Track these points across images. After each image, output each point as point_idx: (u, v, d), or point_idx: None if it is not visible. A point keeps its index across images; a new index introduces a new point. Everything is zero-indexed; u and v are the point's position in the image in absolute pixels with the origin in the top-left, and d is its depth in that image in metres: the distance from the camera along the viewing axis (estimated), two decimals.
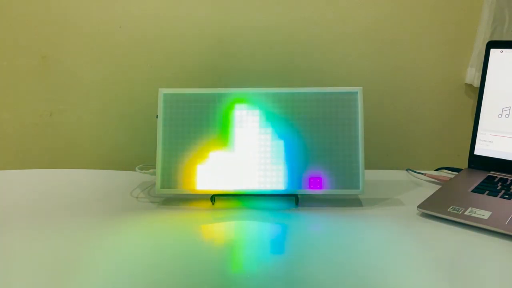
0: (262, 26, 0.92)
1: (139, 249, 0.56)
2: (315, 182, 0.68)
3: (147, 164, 0.77)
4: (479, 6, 0.91)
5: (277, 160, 0.69)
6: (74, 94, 0.95)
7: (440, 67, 0.95)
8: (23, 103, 0.96)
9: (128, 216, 0.66)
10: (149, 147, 0.85)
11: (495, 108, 0.77)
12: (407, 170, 0.85)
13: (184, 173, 0.69)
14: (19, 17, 0.92)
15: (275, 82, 0.95)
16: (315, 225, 0.64)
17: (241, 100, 0.70)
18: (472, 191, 0.70)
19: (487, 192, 0.69)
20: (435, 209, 0.64)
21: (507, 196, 0.67)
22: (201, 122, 0.70)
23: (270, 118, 0.69)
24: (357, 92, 0.69)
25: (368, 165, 0.72)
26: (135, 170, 0.76)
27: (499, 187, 0.71)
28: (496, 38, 0.89)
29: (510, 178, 0.74)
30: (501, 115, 0.77)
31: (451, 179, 0.76)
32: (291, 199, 0.70)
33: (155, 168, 0.70)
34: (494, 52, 0.78)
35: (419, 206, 0.66)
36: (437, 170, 0.86)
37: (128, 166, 0.81)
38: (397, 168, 0.86)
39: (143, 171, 0.76)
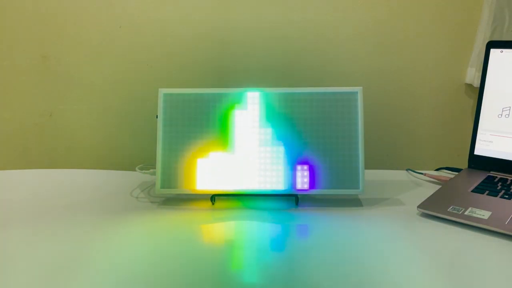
0: (262, 26, 0.92)
1: (139, 249, 0.56)
2: (315, 182, 0.68)
3: (147, 164, 0.77)
4: (479, 6, 0.91)
5: (277, 160, 0.69)
6: (74, 94, 0.95)
7: (440, 67, 0.95)
8: (23, 103, 0.96)
9: (128, 216, 0.66)
10: (149, 147, 0.85)
11: (495, 108, 0.77)
12: (407, 170, 0.85)
13: (184, 173, 0.69)
14: (19, 17, 0.92)
15: (275, 82, 0.95)
16: (315, 225, 0.64)
17: (241, 100, 0.70)
18: (472, 191, 0.70)
19: (487, 192, 0.69)
20: (435, 209, 0.64)
21: (507, 196, 0.67)
22: (201, 122, 0.70)
23: (270, 118, 0.69)
24: (357, 92, 0.69)
25: (368, 165, 0.72)
26: (135, 170, 0.76)
27: (499, 187, 0.71)
28: (496, 38, 0.89)
29: (510, 178, 0.74)
30: (501, 115, 0.77)
31: (451, 179, 0.76)
32: (291, 199, 0.70)
33: (155, 168, 0.70)
34: (494, 52, 0.78)
35: (419, 206, 0.66)
36: (437, 170, 0.86)
37: (128, 166, 0.81)
38: (397, 168, 0.86)
39: (143, 171, 0.76)
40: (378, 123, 0.97)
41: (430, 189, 0.73)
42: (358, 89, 0.69)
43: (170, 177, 0.69)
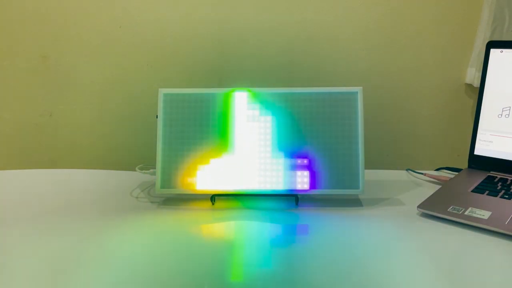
0: (262, 26, 0.92)
1: (139, 249, 0.56)
2: (315, 182, 0.68)
3: (147, 164, 0.77)
4: (479, 6, 0.91)
5: (277, 160, 0.69)
6: (74, 94, 0.95)
7: (440, 67, 0.95)
8: (23, 103, 0.96)
9: (128, 216, 0.66)
10: (149, 147, 0.85)
11: (495, 108, 0.77)
12: (407, 170, 0.85)
13: (184, 173, 0.69)
14: (19, 17, 0.92)
15: (275, 82, 0.95)
16: (315, 225, 0.64)
17: (240, 100, 0.70)
18: (472, 191, 0.70)
19: (487, 192, 0.69)
20: (435, 209, 0.64)
21: (507, 196, 0.67)
22: (201, 122, 0.70)
23: (270, 118, 0.69)
24: (357, 92, 0.69)
25: (368, 165, 0.72)
26: (135, 170, 0.76)
27: (499, 187, 0.71)
28: (496, 38, 0.89)
29: (510, 178, 0.74)
30: (501, 115, 0.77)
31: (451, 179, 0.76)
32: (291, 199, 0.70)
33: (155, 168, 0.70)
34: (494, 52, 0.78)
35: (419, 206, 0.66)
36: (437, 170, 0.86)
37: (128, 166, 0.81)
38: (397, 168, 0.86)
39: (143, 171, 0.76)
40: (378, 123, 0.97)
41: (430, 189, 0.73)
42: (358, 89, 0.69)
43: (170, 177, 0.69)
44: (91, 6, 0.91)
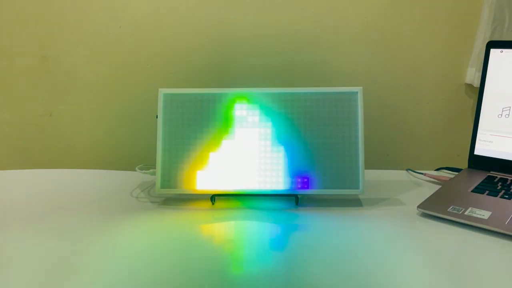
0: (262, 26, 0.92)
1: (139, 249, 0.56)
2: (315, 182, 0.68)
3: (147, 164, 0.77)
4: (479, 6, 0.91)
5: (277, 160, 0.69)
6: (74, 94, 0.95)
7: (440, 67, 0.95)
8: (23, 103, 0.96)
9: (128, 216, 0.66)
10: (149, 147, 0.85)
11: (495, 108, 0.77)
12: (407, 170, 0.85)
13: (184, 173, 0.69)
14: (19, 17, 0.92)
15: (275, 82, 0.95)
16: (315, 225, 0.64)
17: (241, 100, 0.70)
18: (472, 191, 0.70)
19: (487, 192, 0.69)
20: (435, 209, 0.64)
21: (507, 196, 0.67)
22: (201, 122, 0.70)
23: (270, 118, 0.69)
24: (357, 92, 0.69)
25: (368, 165, 0.72)
26: (135, 170, 0.76)
27: (499, 187, 0.71)
28: (496, 38, 0.89)
29: (510, 178, 0.74)
30: (501, 115, 0.77)
31: (451, 179, 0.76)
32: (291, 199, 0.70)
33: (155, 168, 0.70)
34: (494, 52, 0.78)
35: (419, 206, 0.66)
36: (437, 170, 0.86)
37: (128, 166, 0.81)
38: (397, 168, 0.86)
39: (143, 171, 0.76)
40: (378, 123, 0.97)
41: (430, 189, 0.73)
42: (358, 89, 0.69)
43: (170, 177, 0.69)
44: (91, 6, 0.91)
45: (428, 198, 0.68)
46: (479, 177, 0.75)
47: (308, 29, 0.92)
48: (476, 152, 0.80)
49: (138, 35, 0.92)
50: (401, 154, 1.00)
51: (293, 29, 0.92)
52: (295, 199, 0.69)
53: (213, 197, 0.70)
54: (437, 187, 0.74)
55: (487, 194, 0.68)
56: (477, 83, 0.91)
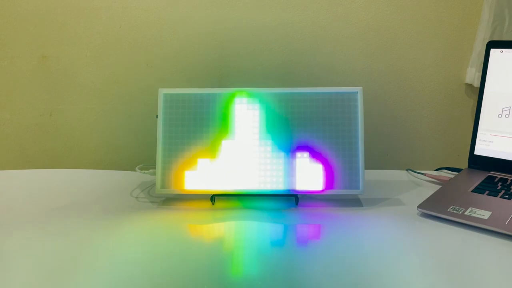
0: (262, 26, 0.92)
1: (139, 249, 0.56)
2: (315, 182, 0.68)
3: (147, 164, 0.77)
4: (479, 6, 0.91)
5: (277, 160, 0.69)
6: (74, 94, 0.95)
7: (440, 67, 0.95)
8: (23, 103, 0.96)
9: (128, 216, 0.66)
10: (149, 147, 0.85)
11: (495, 108, 0.77)
12: (407, 170, 0.85)
13: (184, 173, 0.69)
14: (19, 17, 0.92)
15: (275, 82, 0.95)
16: (315, 225, 0.64)
17: (241, 100, 0.70)
18: (472, 191, 0.70)
19: (487, 192, 0.69)
20: (435, 209, 0.64)
21: (507, 196, 0.67)
22: (201, 122, 0.70)
23: (270, 118, 0.69)
24: (357, 92, 0.69)
25: (368, 165, 0.72)
26: (135, 170, 0.76)
27: (499, 187, 0.71)
28: (496, 38, 0.89)
29: (510, 178, 0.74)
30: (501, 115, 0.77)
31: (451, 179, 0.76)
32: (291, 199, 0.70)
33: (155, 168, 0.70)
34: (494, 52, 0.78)
35: (419, 206, 0.65)
36: (437, 170, 0.86)
37: (128, 166, 0.81)
38: (397, 168, 0.86)
39: (143, 171, 0.76)
40: (378, 123, 0.97)
41: (430, 189, 0.73)
42: (358, 89, 0.69)
43: (170, 177, 0.69)
44: (91, 6, 0.91)
45: (428, 198, 0.68)
46: (479, 177, 0.75)
47: (308, 29, 0.92)
48: (476, 152, 0.80)
49: (138, 35, 0.92)
50: (401, 154, 1.00)
51: (293, 29, 0.92)
52: (295, 199, 0.69)
53: (213, 197, 0.70)
54: (437, 187, 0.74)
55: (487, 194, 0.68)
56: (477, 83, 0.91)
